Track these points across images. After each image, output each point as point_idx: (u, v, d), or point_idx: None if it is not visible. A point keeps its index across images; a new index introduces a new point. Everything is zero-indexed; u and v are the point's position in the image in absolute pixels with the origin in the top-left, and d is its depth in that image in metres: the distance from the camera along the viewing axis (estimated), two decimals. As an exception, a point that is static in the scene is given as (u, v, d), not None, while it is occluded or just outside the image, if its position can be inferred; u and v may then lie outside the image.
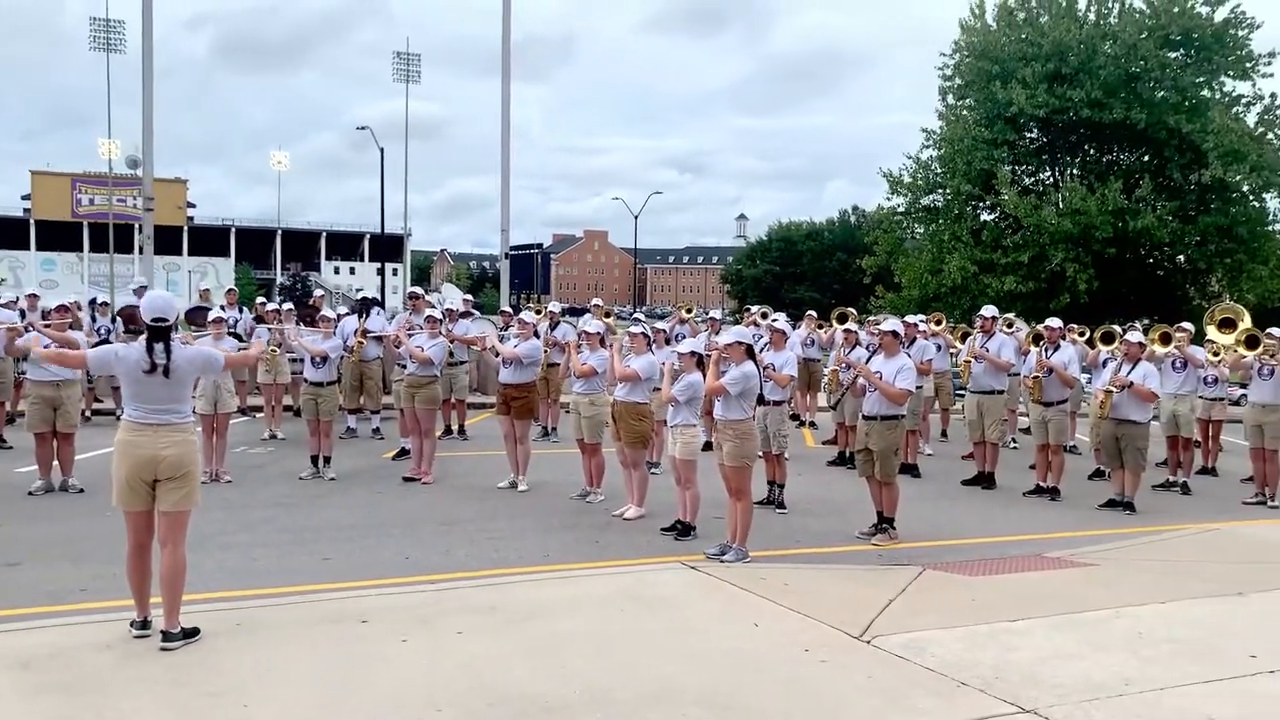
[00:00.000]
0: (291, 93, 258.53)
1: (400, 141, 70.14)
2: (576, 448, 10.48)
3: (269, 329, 13.82)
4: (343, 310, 15.01)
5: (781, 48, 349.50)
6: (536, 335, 11.27)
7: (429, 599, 6.38)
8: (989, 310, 12.95)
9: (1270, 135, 31.81)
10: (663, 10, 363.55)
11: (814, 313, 16.61)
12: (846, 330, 12.46)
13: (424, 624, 5.81)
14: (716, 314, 15.03)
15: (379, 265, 67.91)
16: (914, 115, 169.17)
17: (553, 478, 11.12)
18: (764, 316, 14.12)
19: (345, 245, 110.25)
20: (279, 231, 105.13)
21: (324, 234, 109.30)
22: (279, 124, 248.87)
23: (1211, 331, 13.25)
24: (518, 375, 10.66)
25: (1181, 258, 34.75)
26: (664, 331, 11.51)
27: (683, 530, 8.60)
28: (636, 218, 65.67)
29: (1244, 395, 13.15)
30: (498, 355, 10.98)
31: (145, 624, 5.43)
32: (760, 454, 8.93)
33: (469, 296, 18.49)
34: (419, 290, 14.06)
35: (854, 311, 15.02)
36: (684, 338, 11.54)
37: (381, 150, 46.99)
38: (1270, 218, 32.94)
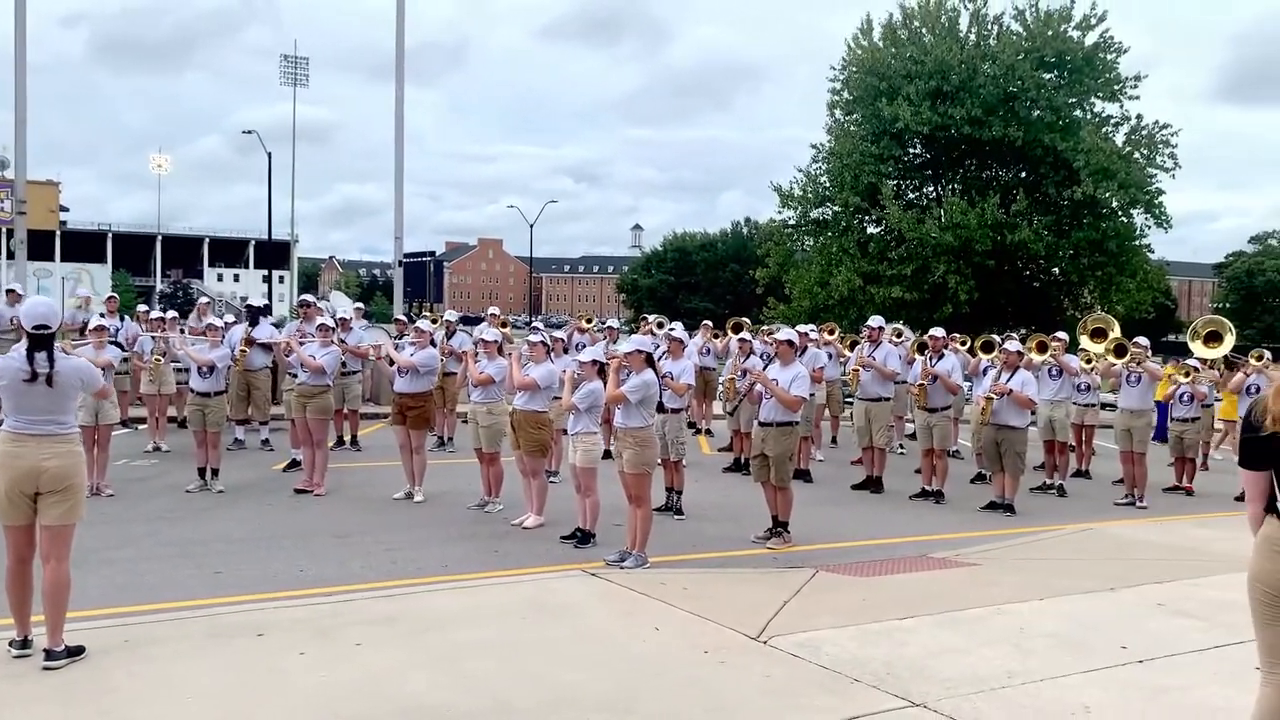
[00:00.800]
0: (173, 95, 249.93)
1: (288, 146, 68.52)
2: (473, 458, 10.43)
3: (153, 338, 13.40)
4: (230, 319, 14.60)
5: (676, 60, 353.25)
6: (433, 344, 11.19)
7: (326, 611, 6.28)
8: (876, 320, 13.35)
9: (1137, 154, 33.56)
10: (557, 20, 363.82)
11: (709, 322, 16.86)
12: (741, 339, 12.69)
13: (322, 636, 5.73)
14: (614, 322, 15.12)
15: (265, 272, 66.12)
16: (805, 130, 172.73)
17: (450, 488, 11.03)
18: (660, 326, 14.28)
19: (229, 252, 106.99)
20: (159, 237, 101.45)
21: (207, 240, 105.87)
22: (160, 126, 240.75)
23: (1084, 341, 13.93)
24: (414, 384, 10.56)
25: (1056, 270, 36.37)
26: (563, 340, 11.56)
27: (583, 538, 8.64)
28: (532, 226, 65.59)
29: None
30: (393, 364, 10.85)
31: (26, 643, 5.22)
32: (659, 461, 9.04)
33: (360, 305, 18.18)
34: (310, 298, 13.81)
35: (748, 321, 15.30)
36: (584, 347, 11.59)
37: (269, 154, 45.90)
38: (1137, 233, 34.73)
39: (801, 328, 13.66)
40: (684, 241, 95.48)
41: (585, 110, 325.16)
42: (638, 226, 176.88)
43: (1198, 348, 13.43)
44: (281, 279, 79.14)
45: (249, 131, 49.66)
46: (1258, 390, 12.33)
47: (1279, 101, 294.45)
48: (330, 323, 11.79)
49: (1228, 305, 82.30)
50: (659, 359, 9.61)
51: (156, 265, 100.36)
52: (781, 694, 5.03)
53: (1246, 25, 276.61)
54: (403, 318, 17.00)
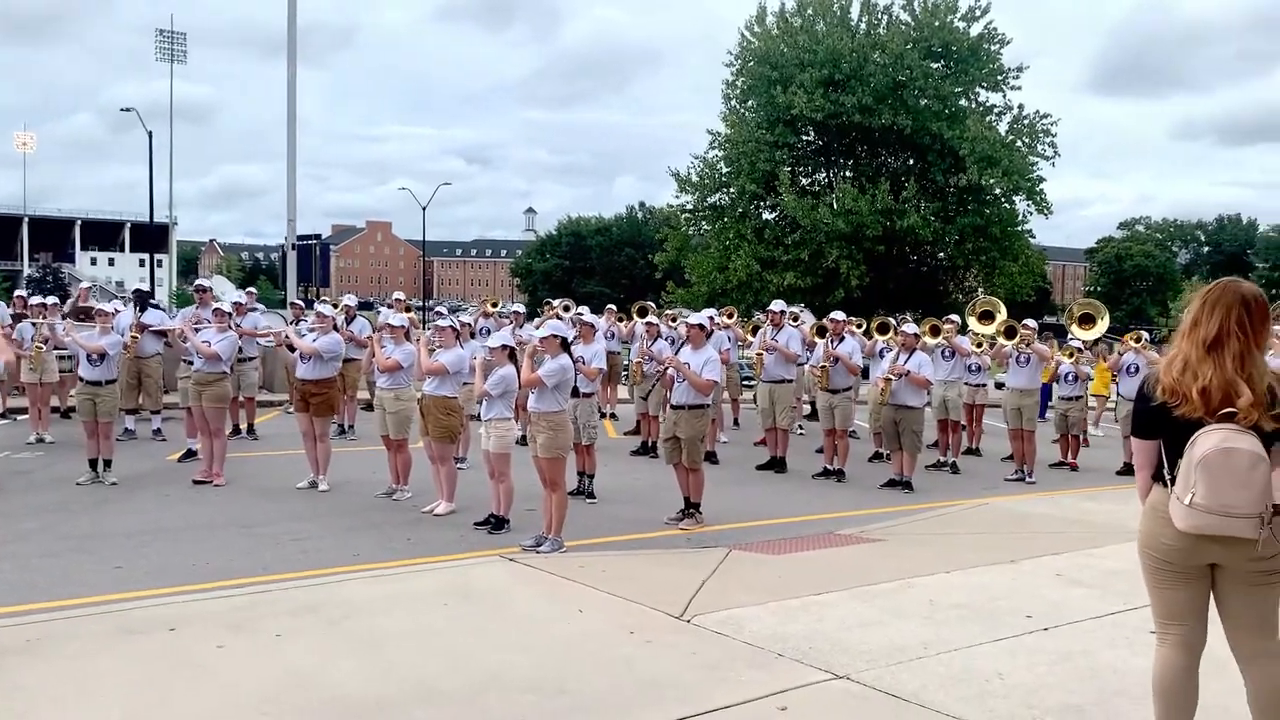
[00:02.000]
0: (40, 70, 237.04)
1: (165, 124, 66.00)
2: (377, 445, 10.28)
3: (34, 324, 12.81)
4: (118, 304, 14.04)
5: (570, 43, 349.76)
6: (335, 329, 10.96)
7: (241, 603, 6.13)
8: (778, 304, 13.59)
9: (1019, 143, 34.81)
10: (450, 1, 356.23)
11: (613, 306, 16.90)
12: (648, 324, 12.76)
13: (238, 629, 5.58)
14: (519, 307, 15.03)
15: (142, 256, 63.50)
16: (700, 115, 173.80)
17: (355, 476, 10.85)
18: (566, 310, 14.25)
19: (103, 234, 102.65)
20: (25, 219, 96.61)
21: (78, 222, 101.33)
22: (25, 103, 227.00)
23: (973, 323, 14.43)
24: (317, 371, 10.32)
25: (942, 255, 37.53)
26: (469, 325, 11.46)
27: (496, 524, 8.61)
28: (424, 209, 64.36)
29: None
30: (294, 350, 10.59)
31: (-79, 645, 4.97)
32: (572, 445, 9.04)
33: (253, 289, 17.68)
34: (206, 283, 13.37)
35: (654, 305, 15.39)
36: (489, 332, 11.50)
37: (150, 133, 44.05)
38: (1020, 219, 36.06)
39: (707, 311, 13.80)
40: (579, 226, 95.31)
41: (478, 93, 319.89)
42: (531, 210, 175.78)
43: (1074, 330, 14.06)
44: (160, 263, 76.27)
45: (128, 109, 47.56)
46: (1136, 370, 12.98)
47: (1147, 94, 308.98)
48: (227, 307, 11.45)
49: (1099, 288, 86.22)
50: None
51: (23, 248, 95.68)
52: (710, 670, 5.12)
53: (1118, 20, 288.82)
54: (298, 301, 16.62)
